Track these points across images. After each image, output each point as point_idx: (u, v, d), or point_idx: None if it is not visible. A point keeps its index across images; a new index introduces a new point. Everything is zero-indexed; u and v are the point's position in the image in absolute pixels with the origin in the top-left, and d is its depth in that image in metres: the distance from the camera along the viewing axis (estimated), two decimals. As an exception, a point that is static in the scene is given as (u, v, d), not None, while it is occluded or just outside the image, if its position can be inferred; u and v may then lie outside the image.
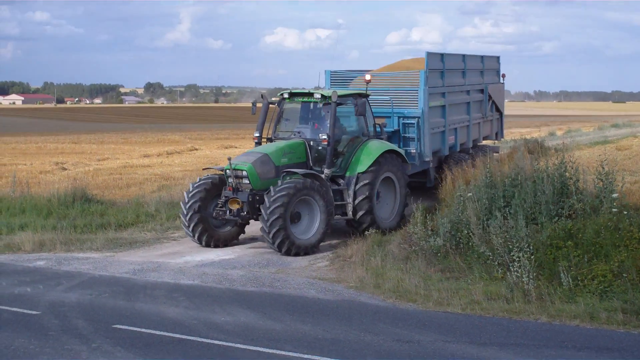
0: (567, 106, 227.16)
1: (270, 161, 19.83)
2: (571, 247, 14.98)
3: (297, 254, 18.71)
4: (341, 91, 21.60)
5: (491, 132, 30.34)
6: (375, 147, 20.92)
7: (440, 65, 25.04)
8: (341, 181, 20.57)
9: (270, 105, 21.73)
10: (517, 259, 14.53)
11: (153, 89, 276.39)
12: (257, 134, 21.47)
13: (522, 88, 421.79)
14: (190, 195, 19.84)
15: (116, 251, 19.55)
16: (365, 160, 20.62)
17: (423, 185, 25.24)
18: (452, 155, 25.88)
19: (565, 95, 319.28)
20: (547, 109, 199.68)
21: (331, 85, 25.43)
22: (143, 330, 12.44)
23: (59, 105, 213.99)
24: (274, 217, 18.41)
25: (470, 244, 16.64)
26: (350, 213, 20.43)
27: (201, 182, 20.08)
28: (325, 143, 20.17)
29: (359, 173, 20.48)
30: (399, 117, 23.62)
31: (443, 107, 24.98)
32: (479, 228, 16.56)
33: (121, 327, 12.64)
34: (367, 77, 22.12)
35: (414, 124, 23.41)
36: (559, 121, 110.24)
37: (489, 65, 29.86)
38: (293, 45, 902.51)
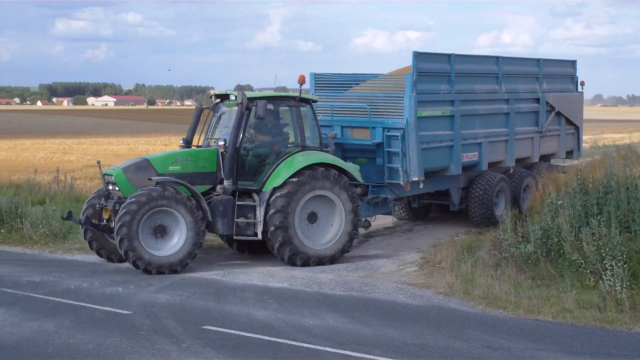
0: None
1: (151, 167, 17.85)
2: (666, 257, 14.70)
3: (147, 271, 17.02)
4: (255, 93, 19.46)
5: (558, 149, 26.45)
6: (300, 160, 18.22)
7: (443, 68, 21.56)
8: (256, 197, 18.17)
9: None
10: (610, 267, 14.27)
11: (243, 90, 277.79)
12: (182, 141, 19.46)
13: (615, 92, 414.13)
14: (85, 205, 18.65)
15: (206, 253, 19.72)
16: (284, 173, 18.03)
17: (448, 208, 23.38)
18: (483, 175, 22.75)
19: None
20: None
21: (315, 89, 22.28)
22: (232, 331, 12.51)
23: (150, 107, 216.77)
24: (118, 225, 16.81)
25: (561, 251, 16.39)
26: (259, 233, 17.96)
27: (98, 190, 18.86)
28: (222, 150, 18.12)
29: (274, 187, 17.98)
30: (383, 129, 20.53)
31: (450, 117, 21.50)
32: (571, 235, 16.31)
33: (211, 328, 12.73)
34: (302, 77, 19.09)
35: (397, 136, 20.24)
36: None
37: (553, 71, 26.18)
38: (383, 47, 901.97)
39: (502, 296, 14.58)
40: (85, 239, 18.50)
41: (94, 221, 18.01)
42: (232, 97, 18.78)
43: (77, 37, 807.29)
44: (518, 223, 17.75)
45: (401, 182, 20.37)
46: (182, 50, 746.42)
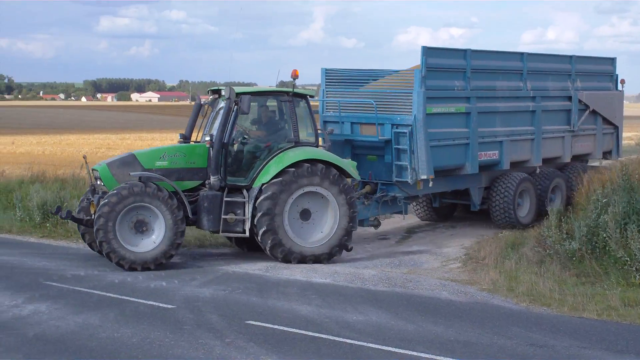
0: None
1: (136, 163, 17.81)
2: None
3: (119, 265, 16.96)
4: (245, 88, 18.81)
5: (594, 149, 25.45)
6: (291, 155, 17.86)
7: (457, 64, 20.86)
8: (246, 193, 17.89)
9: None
10: (656, 265, 14.16)
11: (286, 87, 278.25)
12: (180, 136, 19.36)
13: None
14: (80, 199, 18.95)
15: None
16: (272, 169, 17.75)
17: (468, 208, 23.06)
18: (505, 174, 22.19)
19: None
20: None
21: (326, 85, 21.89)
22: (275, 326, 12.52)
23: (193, 103, 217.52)
24: (97, 217, 16.88)
25: (606, 248, 16.26)
26: (247, 230, 17.76)
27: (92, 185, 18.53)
28: (209, 146, 17.91)
29: (262, 184, 17.77)
30: (392, 125, 20.05)
31: (466, 114, 20.89)
32: (616, 232, 16.16)
33: (254, 323, 12.75)
34: (296, 72, 18.55)
35: (405, 133, 19.72)
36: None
37: (589, 68, 25.16)
38: (426, 43, 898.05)
39: (546, 293, 14.49)
40: (79, 231, 18.78)
41: (75, 215, 18.03)
42: (222, 93, 18.47)
43: (121, 34, 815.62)
44: (562, 220, 17.63)
45: (409, 180, 19.81)
46: (226, 47, 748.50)
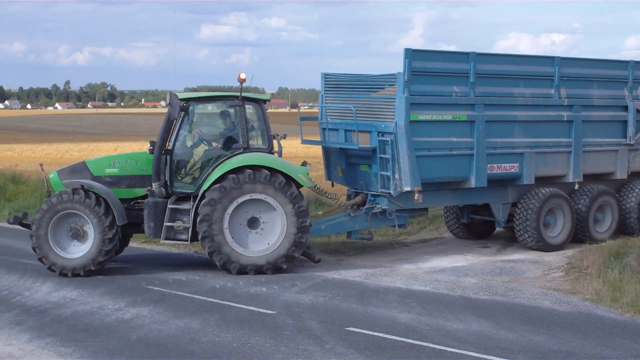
0: None
1: (86, 170, 17.96)
2: None
3: (51, 270, 17.14)
4: (191, 93, 18.46)
5: None
6: (234, 161, 17.38)
7: (457, 68, 19.00)
8: (190, 202, 17.55)
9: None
10: None
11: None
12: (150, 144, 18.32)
13: None
14: None
15: (349, 255, 19.78)
16: (214, 175, 17.30)
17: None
18: (531, 189, 20.12)
19: None
20: None
21: (325, 90, 20.91)
22: (375, 333, 12.49)
23: (292, 110, 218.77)
24: (32, 223, 17.29)
25: None
26: (189, 237, 17.39)
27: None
28: (149, 152, 17.72)
29: (203, 191, 17.37)
30: (378, 133, 18.70)
31: (469, 122, 19.00)
32: None
33: (354, 329, 12.73)
34: (242, 75, 17.68)
35: (388, 141, 18.36)
36: None
37: None
38: (527, 50, 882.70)
39: (652, 304, 14.17)
40: None
41: (24, 222, 18.08)
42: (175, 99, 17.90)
43: (222, 41, 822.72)
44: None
45: (392, 192, 18.56)
46: (325, 54, 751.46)
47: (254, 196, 17.26)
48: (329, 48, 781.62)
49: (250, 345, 11.95)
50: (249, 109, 18.17)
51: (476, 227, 22.18)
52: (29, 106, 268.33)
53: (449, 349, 11.68)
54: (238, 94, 17.86)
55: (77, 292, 15.70)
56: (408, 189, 18.27)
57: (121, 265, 18.28)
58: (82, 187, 17.36)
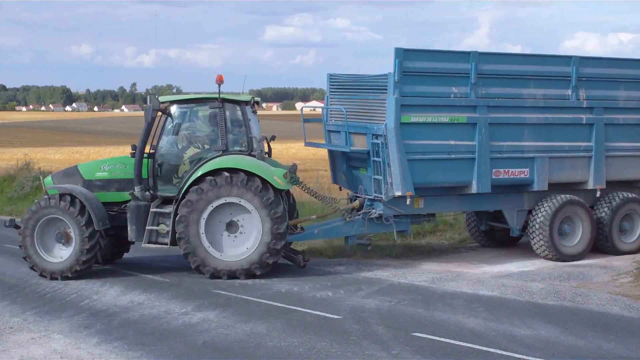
0: None
1: (78, 174, 18.40)
2: None
3: (32, 269, 17.64)
4: (170, 96, 18.43)
5: None
6: (210, 164, 17.34)
7: (455, 68, 18.20)
8: (172, 205, 17.59)
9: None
10: None
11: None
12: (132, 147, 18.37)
13: None
14: None
15: (414, 259, 19.71)
16: (192, 178, 17.31)
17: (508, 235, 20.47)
18: (546, 196, 19.26)
19: None
20: None
21: (330, 91, 20.56)
22: (442, 339, 12.42)
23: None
24: (22, 226, 17.67)
25: None
26: (169, 240, 17.38)
27: None
28: (130, 156, 17.84)
29: (183, 193, 17.39)
30: (371, 135, 18.16)
31: (470, 124, 18.22)
32: None
33: (420, 335, 12.68)
34: (220, 77, 17.62)
35: (378, 144, 17.91)
36: None
37: None
38: (594, 49, 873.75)
39: None
40: None
41: (17, 224, 18.14)
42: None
43: (286, 43, 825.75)
44: None
45: (383, 196, 18.04)
46: (388, 54, 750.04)
47: (229, 200, 17.22)
48: (392, 48, 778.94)
49: (316, 350, 11.96)
50: (230, 110, 18.04)
51: (498, 234, 21.51)
52: (95, 108, 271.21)
53: (516, 355, 11.58)
54: (217, 96, 17.73)
55: (144, 296, 15.85)
56: (399, 193, 17.72)
57: (187, 269, 18.39)
58: (70, 193, 17.61)
